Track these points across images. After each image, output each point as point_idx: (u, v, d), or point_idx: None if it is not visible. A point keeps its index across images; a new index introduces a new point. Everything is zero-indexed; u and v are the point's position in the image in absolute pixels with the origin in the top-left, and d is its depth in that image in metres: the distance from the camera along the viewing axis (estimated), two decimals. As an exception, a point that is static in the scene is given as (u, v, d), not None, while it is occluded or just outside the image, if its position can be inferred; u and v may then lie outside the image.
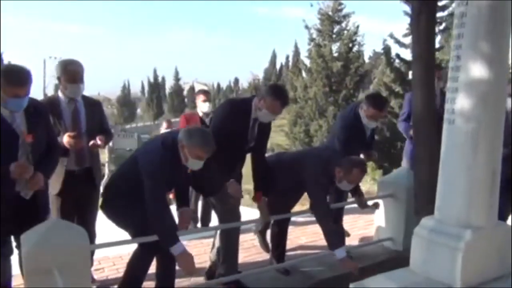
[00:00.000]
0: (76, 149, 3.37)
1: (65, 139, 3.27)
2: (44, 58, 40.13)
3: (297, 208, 4.70)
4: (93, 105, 3.66)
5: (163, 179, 2.90)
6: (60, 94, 3.48)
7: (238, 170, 3.77)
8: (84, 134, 3.44)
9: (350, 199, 4.62)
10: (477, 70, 2.30)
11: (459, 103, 2.38)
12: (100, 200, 3.30)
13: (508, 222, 3.78)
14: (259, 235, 4.66)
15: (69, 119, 3.43)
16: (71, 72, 3.39)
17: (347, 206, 4.90)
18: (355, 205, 4.45)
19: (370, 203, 4.42)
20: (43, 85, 40.78)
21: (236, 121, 3.48)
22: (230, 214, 3.64)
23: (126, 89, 76.51)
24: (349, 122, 4.30)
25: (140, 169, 2.91)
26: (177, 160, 2.93)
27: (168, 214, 2.89)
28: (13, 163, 2.69)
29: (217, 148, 2.99)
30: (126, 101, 73.20)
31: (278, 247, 4.17)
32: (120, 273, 3.91)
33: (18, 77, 2.74)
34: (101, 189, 3.67)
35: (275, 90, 3.48)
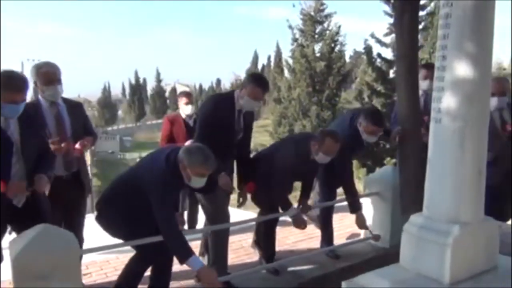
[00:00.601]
0: (63, 154, 3.33)
1: (51, 146, 3.22)
2: (22, 61, 39.32)
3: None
4: (75, 107, 3.60)
5: (170, 201, 2.92)
6: (40, 98, 3.40)
7: (228, 164, 3.77)
8: (69, 138, 3.39)
9: (339, 196, 4.66)
10: (462, 69, 2.35)
11: (445, 102, 2.43)
12: (96, 212, 3.26)
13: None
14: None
15: (53, 124, 3.36)
16: (45, 74, 3.32)
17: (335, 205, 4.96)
18: (343, 203, 4.51)
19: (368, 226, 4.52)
20: (22, 88, 39.99)
21: (221, 114, 3.54)
22: (218, 213, 3.65)
23: (106, 91, 75.69)
24: (350, 141, 4.11)
25: (145, 189, 2.86)
26: (180, 181, 2.91)
27: (179, 232, 2.90)
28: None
29: (207, 144, 3.00)
30: (107, 103, 72.46)
31: (267, 247, 4.19)
32: (108, 278, 3.88)
33: (16, 82, 2.73)
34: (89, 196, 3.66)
35: (255, 77, 3.67)
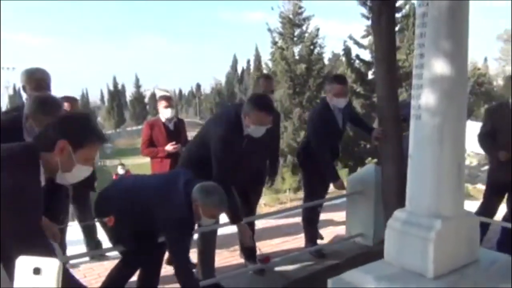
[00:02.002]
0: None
1: None
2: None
3: (266, 209, 4.75)
4: None
5: (188, 239, 2.90)
6: (26, 103, 3.38)
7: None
8: None
9: (329, 194, 4.72)
10: (440, 67, 2.41)
11: (424, 99, 2.48)
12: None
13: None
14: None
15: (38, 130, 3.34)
16: (36, 80, 3.29)
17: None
18: (329, 203, 4.57)
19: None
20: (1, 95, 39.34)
21: (233, 149, 3.40)
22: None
23: (84, 98, 74.73)
24: (320, 117, 4.29)
25: (158, 219, 2.80)
26: (193, 220, 2.88)
27: (190, 269, 3.02)
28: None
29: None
30: (85, 110, 71.45)
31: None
32: (92, 285, 3.83)
33: (53, 109, 2.73)
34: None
35: (256, 102, 3.35)
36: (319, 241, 4.83)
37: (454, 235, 2.47)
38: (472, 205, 5.88)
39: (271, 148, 4.33)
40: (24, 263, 1.03)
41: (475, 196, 8.39)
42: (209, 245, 3.75)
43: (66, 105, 4.52)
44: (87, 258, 4.34)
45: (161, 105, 4.92)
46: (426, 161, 2.48)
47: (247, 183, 4.02)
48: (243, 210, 4.12)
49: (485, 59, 52.69)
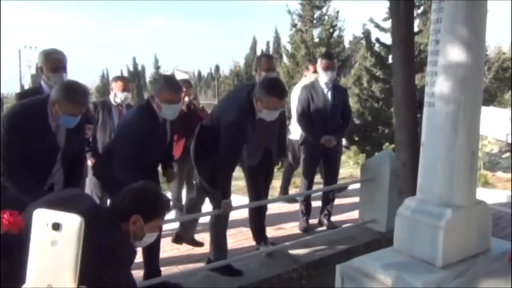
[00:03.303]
0: None
1: None
2: (19, 48, 39.16)
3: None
4: None
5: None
6: (43, 83, 3.39)
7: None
8: None
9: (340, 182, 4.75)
10: (456, 54, 2.36)
11: (439, 86, 2.44)
12: None
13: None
14: None
15: None
16: (53, 61, 3.31)
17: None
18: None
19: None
20: (19, 76, 39.90)
21: (246, 135, 3.42)
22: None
23: (105, 79, 75.28)
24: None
25: None
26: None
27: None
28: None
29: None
30: (105, 91, 71.80)
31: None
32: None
33: (80, 97, 2.75)
34: None
35: (267, 87, 3.34)
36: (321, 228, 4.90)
37: (464, 224, 2.46)
38: (490, 194, 5.83)
39: (279, 129, 4.32)
40: (42, 217, 0.94)
41: (493, 184, 8.21)
42: (220, 228, 3.80)
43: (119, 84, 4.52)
44: None
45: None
46: (439, 149, 2.46)
47: (257, 164, 4.08)
48: (253, 193, 4.23)
49: (512, 43, 51.09)
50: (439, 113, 2.44)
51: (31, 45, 37.45)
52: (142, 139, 3.07)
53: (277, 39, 48.41)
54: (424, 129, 2.57)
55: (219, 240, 3.82)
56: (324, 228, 4.95)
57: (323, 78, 4.71)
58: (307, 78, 5.60)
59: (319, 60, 4.84)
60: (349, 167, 13.64)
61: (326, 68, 4.66)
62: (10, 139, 2.60)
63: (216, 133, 3.44)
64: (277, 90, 3.33)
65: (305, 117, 4.73)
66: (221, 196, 3.53)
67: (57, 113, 2.70)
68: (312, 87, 4.77)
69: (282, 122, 4.45)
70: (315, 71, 5.54)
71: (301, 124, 4.84)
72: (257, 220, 4.37)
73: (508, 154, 14.51)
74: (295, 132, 5.36)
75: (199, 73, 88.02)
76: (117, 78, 4.67)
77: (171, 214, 5.17)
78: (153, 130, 3.17)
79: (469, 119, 2.43)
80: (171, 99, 3.09)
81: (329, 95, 4.72)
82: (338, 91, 4.84)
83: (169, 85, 3.15)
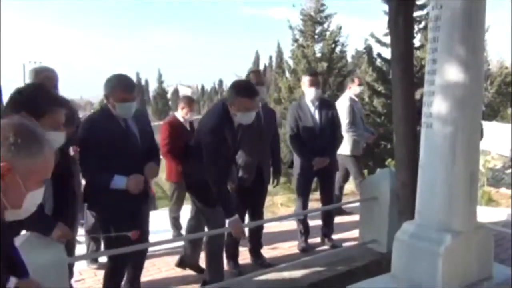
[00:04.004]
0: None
1: None
2: (24, 63, 39.43)
3: (283, 209, 4.67)
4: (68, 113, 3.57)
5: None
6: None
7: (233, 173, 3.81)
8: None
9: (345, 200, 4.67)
10: (453, 73, 2.30)
11: (436, 106, 2.37)
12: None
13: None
14: None
15: None
16: (43, 80, 3.30)
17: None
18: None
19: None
20: (23, 91, 40.06)
21: (226, 142, 3.36)
22: (217, 218, 3.57)
23: (109, 93, 75.56)
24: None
25: None
26: None
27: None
28: (128, 178, 2.93)
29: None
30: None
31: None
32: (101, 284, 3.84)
33: (125, 81, 3.03)
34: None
35: (237, 88, 3.36)
36: (324, 248, 4.80)
37: (464, 250, 2.37)
38: (493, 213, 5.72)
39: (271, 146, 4.29)
40: None
41: (497, 201, 8.08)
42: (216, 247, 3.71)
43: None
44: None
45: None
46: (437, 172, 2.38)
47: (250, 183, 4.03)
48: (246, 210, 4.16)
49: (514, 58, 51.12)
50: (437, 134, 2.36)
51: (35, 60, 37.67)
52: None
53: (279, 54, 48.68)
54: (422, 151, 2.50)
55: (215, 261, 3.73)
56: (324, 247, 4.85)
57: (309, 96, 4.63)
58: (352, 90, 5.64)
59: (303, 78, 4.81)
60: (350, 183, 13.52)
61: (311, 85, 4.60)
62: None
63: (201, 149, 3.38)
64: (247, 90, 3.34)
65: (296, 138, 4.68)
66: (225, 215, 3.41)
67: (113, 106, 2.87)
68: (299, 107, 4.72)
69: (275, 139, 4.41)
70: (360, 84, 5.68)
71: (293, 146, 4.78)
72: (254, 240, 4.32)
73: (510, 170, 14.37)
74: (343, 146, 5.28)
75: (203, 87, 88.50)
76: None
77: (167, 235, 5.11)
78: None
79: (468, 140, 2.36)
80: (125, 98, 3.03)
81: (316, 113, 4.64)
82: (326, 106, 4.74)
83: (122, 84, 3.09)
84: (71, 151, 3.26)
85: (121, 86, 3.05)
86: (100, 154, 2.94)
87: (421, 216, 2.49)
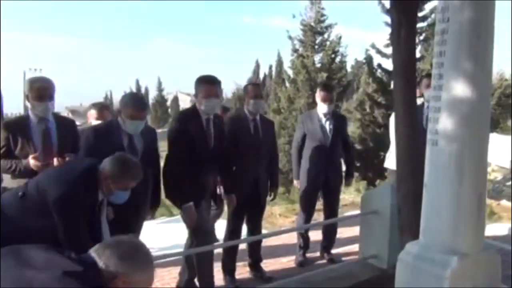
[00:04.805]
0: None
1: (31, 161, 3.09)
2: (24, 70, 39.39)
3: (281, 220, 4.57)
4: (66, 125, 3.48)
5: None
6: (30, 112, 3.32)
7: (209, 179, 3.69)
8: (55, 155, 3.25)
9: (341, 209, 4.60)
10: (460, 89, 2.21)
11: (442, 123, 2.28)
12: None
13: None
14: None
15: (39, 140, 3.25)
16: (38, 90, 3.23)
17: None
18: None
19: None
20: (23, 98, 40.05)
21: (189, 129, 3.48)
22: (201, 226, 3.54)
23: (108, 100, 75.67)
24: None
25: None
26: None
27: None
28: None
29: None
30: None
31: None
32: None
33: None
34: None
35: (201, 78, 3.57)
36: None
37: (471, 273, 2.27)
38: (494, 228, 5.62)
39: (269, 159, 4.23)
40: None
41: (499, 215, 7.97)
42: (204, 260, 3.63)
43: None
44: None
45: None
46: (443, 191, 2.28)
47: (247, 196, 3.99)
48: (242, 223, 4.16)
49: (514, 69, 51.11)
50: (443, 152, 2.27)
51: (35, 68, 37.66)
52: None
53: (279, 63, 48.71)
54: (426, 169, 2.40)
55: (204, 273, 3.65)
56: (323, 261, 4.76)
57: (321, 109, 4.60)
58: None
59: (317, 91, 4.74)
60: (350, 194, 13.44)
61: (324, 101, 4.57)
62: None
63: None
64: (206, 77, 3.56)
65: (298, 151, 4.68)
66: (179, 202, 3.51)
67: (108, 188, 2.66)
68: (309, 118, 4.69)
69: (273, 152, 4.35)
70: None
71: (293, 158, 4.82)
72: (253, 254, 4.29)
73: (510, 182, 14.29)
74: (390, 160, 5.15)
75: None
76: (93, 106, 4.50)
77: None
78: None
79: (475, 159, 2.26)
80: (134, 115, 3.16)
81: (327, 125, 4.60)
82: (337, 120, 4.71)
83: (134, 102, 3.23)
84: (55, 162, 3.17)
85: (133, 104, 3.18)
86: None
87: (426, 237, 2.39)
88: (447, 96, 2.25)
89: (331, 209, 4.86)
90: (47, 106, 3.26)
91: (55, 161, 3.19)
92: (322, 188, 4.72)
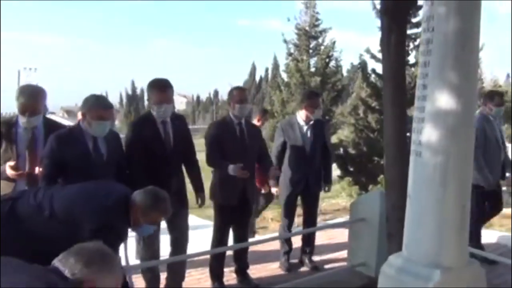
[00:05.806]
0: (29, 181, 3.12)
1: (7, 169, 3.02)
2: (19, 69, 39.19)
3: (273, 224, 4.49)
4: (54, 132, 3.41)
5: None
6: (19, 118, 3.24)
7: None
8: (39, 165, 3.16)
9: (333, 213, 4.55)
10: (444, 100, 2.18)
11: (426, 134, 2.24)
12: None
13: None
14: None
15: (23, 146, 3.18)
16: (21, 105, 3.17)
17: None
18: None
19: None
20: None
21: (145, 136, 3.48)
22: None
23: (104, 101, 75.33)
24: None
25: None
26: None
27: None
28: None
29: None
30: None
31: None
32: None
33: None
34: None
35: (150, 83, 3.60)
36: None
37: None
38: (492, 236, 5.59)
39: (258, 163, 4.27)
40: None
41: (499, 222, 7.84)
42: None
43: None
44: None
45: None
46: (427, 203, 2.24)
47: (233, 206, 4.00)
48: (228, 229, 4.16)
49: (508, 76, 51.41)
50: (427, 164, 2.23)
51: (30, 67, 37.47)
52: None
53: (276, 66, 48.71)
54: (410, 179, 2.37)
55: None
56: (306, 268, 4.72)
57: (302, 116, 4.60)
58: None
59: (302, 98, 4.80)
60: (342, 198, 13.40)
61: (311, 109, 4.56)
62: None
63: None
64: (155, 83, 3.56)
65: (278, 159, 4.65)
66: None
67: (137, 220, 2.59)
68: (289, 125, 4.66)
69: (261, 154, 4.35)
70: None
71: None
72: (239, 260, 4.28)
73: (505, 188, 14.26)
74: None
75: (198, 97, 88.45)
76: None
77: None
78: None
79: (460, 171, 2.23)
80: (101, 115, 3.08)
81: (309, 133, 4.59)
82: (318, 127, 4.67)
83: (99, 102, 3.16)
84: (37, 170, 3.10)
85: (99, 104, 3.09)
86: (63, 172, 3.02)
87: (409, 250, 2.35)
88: (431, 107, 2.22)
89: (310, 215, 4.85)
90: (29, 121, 3.18)
91: (36, 170, 3.13)
92: (302, 193, 4.72)
